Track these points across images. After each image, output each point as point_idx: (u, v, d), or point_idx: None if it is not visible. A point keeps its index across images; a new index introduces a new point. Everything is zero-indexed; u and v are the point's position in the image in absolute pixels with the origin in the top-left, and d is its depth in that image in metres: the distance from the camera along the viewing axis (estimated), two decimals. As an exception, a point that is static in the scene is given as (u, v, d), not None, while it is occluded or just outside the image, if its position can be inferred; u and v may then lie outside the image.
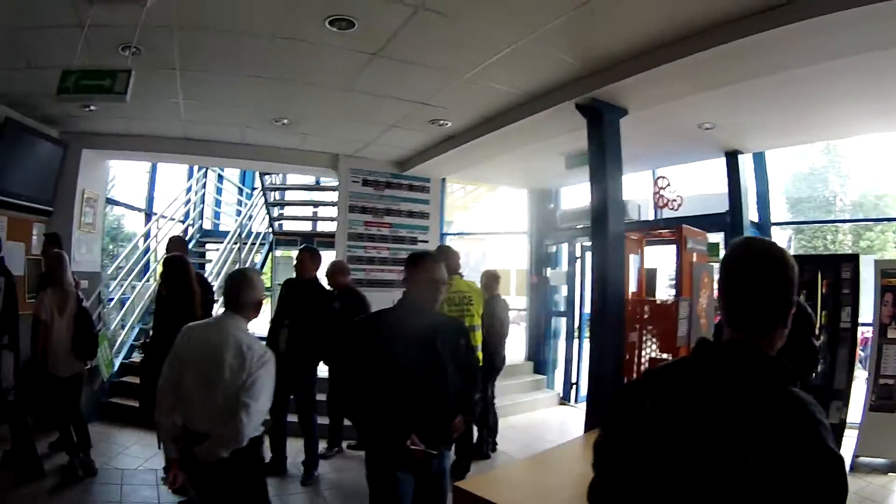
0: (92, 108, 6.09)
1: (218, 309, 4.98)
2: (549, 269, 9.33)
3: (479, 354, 5.24)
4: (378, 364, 2.72)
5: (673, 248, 5.56)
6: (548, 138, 6.17)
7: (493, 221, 11.12)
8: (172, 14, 4.07)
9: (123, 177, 9.02)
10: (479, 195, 10.79)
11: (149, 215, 10.31)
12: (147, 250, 9.64)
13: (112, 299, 7.99)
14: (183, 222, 10.87)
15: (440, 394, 2.83)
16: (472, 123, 6.32)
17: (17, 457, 5.01)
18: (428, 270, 2.91)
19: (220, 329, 2.92)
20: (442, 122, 6.27)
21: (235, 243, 9.96)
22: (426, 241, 8.12)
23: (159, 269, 6.07)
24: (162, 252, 9.55)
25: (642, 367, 5.17)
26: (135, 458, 5.55)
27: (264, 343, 3.56)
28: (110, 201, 9.12)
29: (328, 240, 9.04)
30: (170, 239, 5.65)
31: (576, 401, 8.51)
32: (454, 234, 10.09)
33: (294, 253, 8.03)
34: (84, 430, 5.14)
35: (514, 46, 4.40)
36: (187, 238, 10.34)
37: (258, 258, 10.72)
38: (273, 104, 6.03)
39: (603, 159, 4.96)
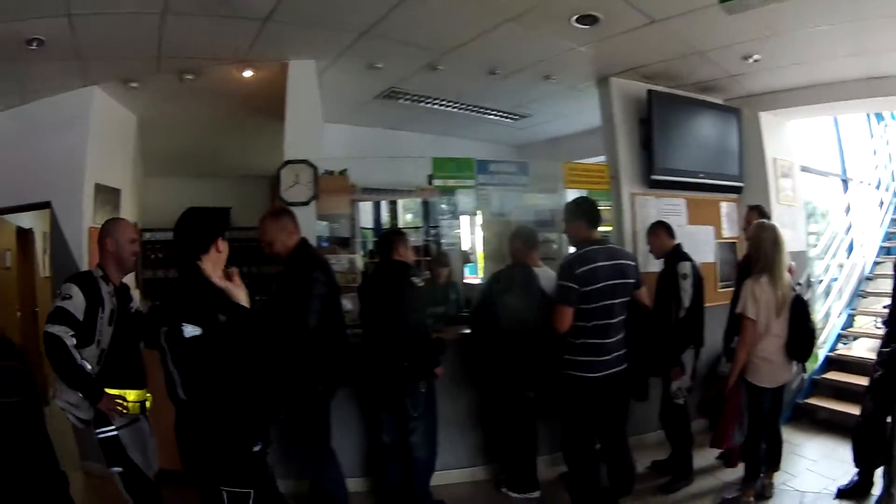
0: (755, 57, 4.82)
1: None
2: None
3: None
4: None
5: None
6: None
7: None
8: None
9: (807, 139, 7.60)
10: None
11: (844, 182, 8.42)
12: (850, 225, 7.89)
13: (820, 281, 6.63)
14: (877, 187, 8.55)
15: None
16: None
17: (668, 467, 4.32)
18: None
19: None
20: None
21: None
22: None
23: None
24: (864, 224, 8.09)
25: None
26: (820, 477, 4.20)
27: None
28: (805, 169, 7.46)
29: None
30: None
31: None
32: None
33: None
34: (777, 443, 3.98)
35: None
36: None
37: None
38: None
39: None
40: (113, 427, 2.69)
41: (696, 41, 4.52)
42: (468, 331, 4.23)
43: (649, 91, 5.28)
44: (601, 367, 3.27)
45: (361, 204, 5.89)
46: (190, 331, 2.09)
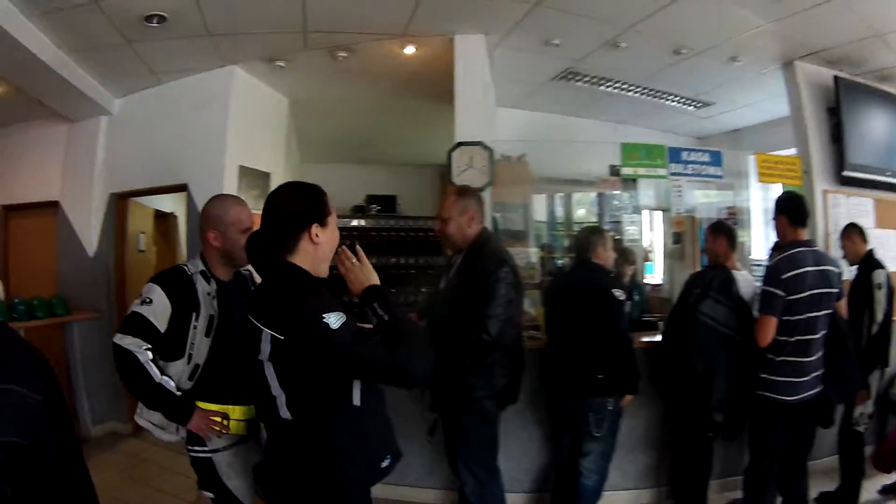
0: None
1: None
2: None
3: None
4: None
5: None
6: None
7: None
8: None
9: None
10: None
11: None
12: None
13: None
14: None
15: None
16: None
17: (836, 500, 3.77)
18: None
19: None
20: None
21: None
22: None
23: None
24: None
25: None
26: None
27: None
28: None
29: None
30: None
31: None
32: None
33: None
34: None
35: None
36: None
37: None
38: None
39: None
40: (207, 448, 2.16)
41: (876, 21, 4.16)
42: (657, 339, 3.82)
43: (836, 77, 4.78)
44: (799, 390, 2.94)
45: (534, 196, 5.58)
46: (335, 320, 1.54)
